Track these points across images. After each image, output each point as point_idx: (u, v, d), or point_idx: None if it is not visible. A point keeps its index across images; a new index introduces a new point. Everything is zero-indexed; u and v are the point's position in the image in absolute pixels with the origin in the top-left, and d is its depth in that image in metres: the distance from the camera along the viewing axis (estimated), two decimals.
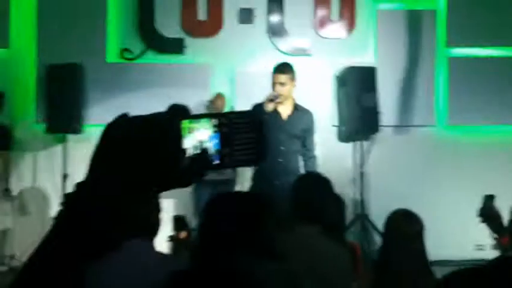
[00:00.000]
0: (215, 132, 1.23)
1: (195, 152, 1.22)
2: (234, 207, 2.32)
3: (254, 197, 2.43)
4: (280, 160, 5.82)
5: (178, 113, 1.22)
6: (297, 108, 5.96)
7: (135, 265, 2.52)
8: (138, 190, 1.19)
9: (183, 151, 1.21)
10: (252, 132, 1.25)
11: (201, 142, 1.23)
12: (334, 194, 3.90)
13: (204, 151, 1.22)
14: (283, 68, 5.90)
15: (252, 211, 2.28)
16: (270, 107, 5.78)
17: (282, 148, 5.84)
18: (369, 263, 7.01)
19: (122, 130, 1.19)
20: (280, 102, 5.85)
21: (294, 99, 5.98)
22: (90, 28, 8.16)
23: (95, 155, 1.19)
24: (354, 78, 7.86)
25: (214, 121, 1.24)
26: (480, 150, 8.23)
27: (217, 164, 1.24)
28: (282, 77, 5.83)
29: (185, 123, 1.22)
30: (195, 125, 1.23)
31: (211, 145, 1.23)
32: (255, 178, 6.02)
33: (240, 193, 2.63)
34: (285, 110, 5.92)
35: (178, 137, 1.20)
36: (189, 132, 1.22)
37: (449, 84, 8.35)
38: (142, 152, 1.17)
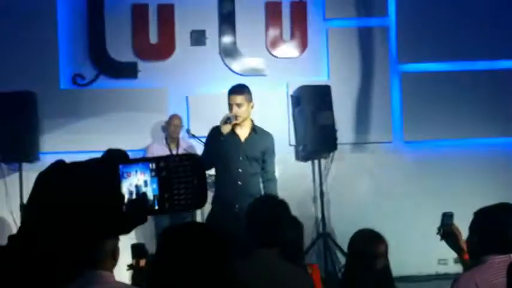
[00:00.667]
0: (153, 176, 1.21)
1: (133, 198, 1.19)
2: (188, 242, 2.26)
3: (209, 231, 2.38)
4: (239, 183, 5.78)
5: (115, 158, 1.20)
6: (255, 130, 5.93)
7: None
8: (77, 238, 1.15)
9: (122, 197, 1.18)
10: (192, 176, 1.22)
11: (137, 187, 1.20)
12: (291, 216, 3.89)
13: (143, 196, 1.19)
14: (240, 89, 5.88)
15: (208, 246, 2.23)
16: (226, 129, 5.75)
17: (240, 170, 5.80)
18: (332, 282, 7.02)
19: (57, 178, 1.16)
20: (238, 124, 5.82)
21: (252, 121, 5.95)
22: (42, 54, 8.04)
23: (30, 204, 1.16)
24: (309, 97, 7.88)
25: (152, 165, 1.21)
26: (438, 165, 8.29)
27: (157, 210, 1.21)
28: (238, 98, 5.80)
29: (123, 168, 1.19)
30: (132, 169, 1.20)
31: (150, 190, 1.20)
32: (215, 202, 5.96)
33: (194, 225, 2.57)
34: (243, 132, 5.88)
35: (115, 183, 1.18)
36: (127, 177, 1.19)
37: (402, 100, 8.43)
38: (78, 200, 1.14)
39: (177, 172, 1.22)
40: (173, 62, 8.29)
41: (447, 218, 3.91)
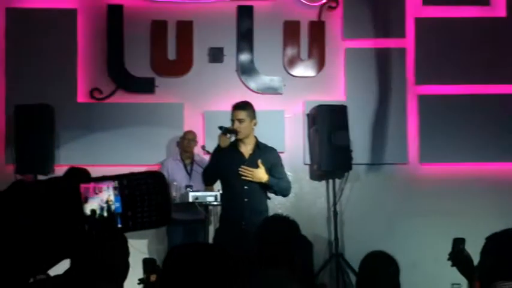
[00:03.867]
0: (116, 195, 1.20)
1: (101, 214, 1.19)
2: (195, 263, 2.25)
3: (217, 251, 2.36)
4: (245, 200, 5.78)
5: (77, 177, 1.21)
6: (259, 146, 5.93)
7: None
8: (39, 257, 1.15)
9: (83, 215, 1.18)
10: (155, 194, 1.22)
11: (108, 203, 1.20)
12: (302, 236, 3.87)
13: (111, 213, 1.19)
14: (242, 105, 5.93)
15: (214, 269, 2.22)
16: (224, 141, 5.75)
17: (246, 187, 5.79)
18: None
19: (16, 198, 1.16)
20: (241, 141, 5.83)
21: (255, 138, 5.95)
22: (61, 68, 8.12)
23: None
24: (325, 116, 7.88)
25: (115, 183, 1.21)
26: (453, 188, 8.22)
27: (120, 228, 1.21)
28: (241, 113, 5.82)
29: (89, 185, 1.19)
30: (102, 184, 1.20)
31: (113, 208, 1.20)
32: (222, 219, 5.99)
33: (199, 247, 2.56)
34: (246, 149, 5.89)
35: (75, 201, 1.17)
36: (96, 193, 1.19)
37: (419, 121, 8.40)
38: (38, 220, 1.14)
39: (140, 190, 1.21)
40: (190, 78, 8.32)
41: (458, 243, 3.89)
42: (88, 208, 1.18)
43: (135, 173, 1.23)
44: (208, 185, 6.65)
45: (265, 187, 5.86)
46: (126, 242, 2.81)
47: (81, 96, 8.18)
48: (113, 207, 1.20)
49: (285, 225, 3.70)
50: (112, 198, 1.20)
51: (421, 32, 8.47)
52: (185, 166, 7.76)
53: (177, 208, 7.43)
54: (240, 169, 5.74)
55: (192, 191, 7.04)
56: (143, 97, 8.23)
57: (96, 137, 8.06)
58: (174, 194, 7.38)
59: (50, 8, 8.19)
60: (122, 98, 8.24)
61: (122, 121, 8.12)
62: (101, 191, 1.20)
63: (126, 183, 1.21)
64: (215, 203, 6.80)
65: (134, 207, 1.21)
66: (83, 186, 1.18)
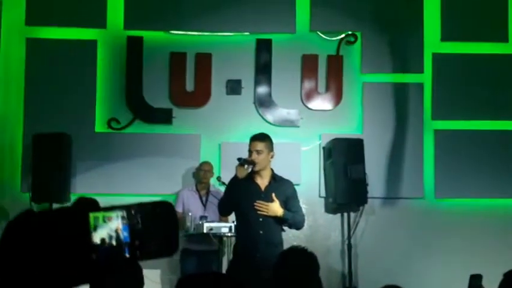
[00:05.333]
0: (124, 224, 1.21)
1: (111, 243, 1.19)
2: None
3: (227, 281, 2.34)
4: (261, 232, 5.74)
5: (86, 207, 1.21)
6: (275, 178, 5.90)
7: None
8: (46, 286, 1.16)
9: (91, 244, 1.18)
10: (163, 224, 1.23)
11: (117, 231, 1.20)
12: (317, 271, 3.79)
13: (119, 242, 1.20)
14: (261, 136, 5.90)
15: None
16: (241, 172, 5.74)
17: (261, 220, 5.76)
18: None
19: (26, 228, 1.17)
20: (257, 173, 5.81)
21: (272, 170, 5.94)
22: (79, 98, 8.19)
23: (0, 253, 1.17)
24: (341, 149, 7.88)
25: (123, 213, 1.21)
26: (469, 224, 8.17)
27: (128, 258, 1.21)
28: (259, 145, 5.78)
29: (98, 214, 1.19)
30: (111, 214, 1.21)
31: (122, 237, 1.21)
32: (236, 251, 5.96)
33: (211, 276, 2.54)
34: (263, 181, 5.84)
35: (84, 230, 1.18)
36: (105, 222, 1.20)
37: (435, 156, 8.37)
38: (48, 249, 1.15)
39: (148, 220, 1.22)
40: (208, 109, 8.37)
41: (475, 280, 3.85)
42: (97, 237, 1.19)
43: (143, 203, 1.24)
44: (224, 216, 6.65)
45: (280, 221, 5.84)
46: (141, 271, 2.80)
47: (99, 126, 8.24)
48: (121, 236, 1.20)
49: (304, 257, 3.66)
50: (121, 227, 1.21)
51: (439, 67, 8.49)
52: (200, 197, 7.77)
53: (191, 239, 7.43)
54: (255, 204, 5.73)
55: (207, 222, 7.04)
56: (160, 128, 8.28)
57: (113, 166, 8.10)
58: (188, 224, 7.37)
59: (70, 39, 8.29)
60: (140, 128, 8.28)
61: (139, 151, 8.15)
62: (110, 220, 1.20)
63: (134, 213, 1.22)
64: (229, 234, 6.79)
65: (142, 237, 1.21)
66: (92, 215, 1.19)
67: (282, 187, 5.87)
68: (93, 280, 1.19)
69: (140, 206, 1.23)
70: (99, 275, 1.19)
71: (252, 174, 5.82)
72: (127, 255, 1.21)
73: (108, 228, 1.20)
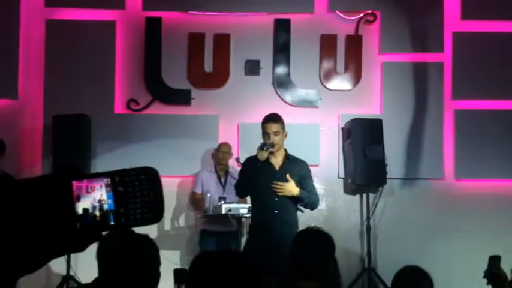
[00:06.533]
0: (108, 192, 1.20)
1: (93, 213, 1.18)
2: (219, 269, 2.25)
3: (243, 260, 2.35)
4: (276, 212, 5.80)
5: (69, 174, 1.19)
6: (289, 158, 5.96)
7: None
8: (28, 256, 1.15)
9: (75, 214, 1.17)
10: (148, 190, 1.22)
11: (100, 202, 1.19)
12: (333, 251, 3.79)
13: (103, 213, 1.19)
14: (276, 117, 5.95)
15: (241, 277, 2.21)
16: (263, 155, 5.79)
17: (277, 199, 5.81)
18: None
19: (5, 195, 1.15)
20: (272, 153, 5.85)
21: (285, 150, 5.98)
22: (99, 79, 8.22)
23: None
24: (360, 130, 7.85)
25: (107, 180, 1.20)
26: (489, 204, 8.10)
27: (113, 225, 1.20)
28: (275, 126, 5.86)
29: (81, 183, 1.18)
30: (94, 184, 1.19)
31: (106, 205, 1.20)
32: (252, 231, 6.01)
33: (227, 254, 2.54)
34: (277, 161, 5.93)
35: (67, 200, 1.17)
36: (88, 192, 1.19)
37: (455, 137, 8.31)
38: (29, 216, 1.14)
39: (132, 186, 1.21)
40: (226, 90, 8.36)
41: (494, 261, 3.84)
42: (80, 207, 1.18)
43: (128, 170, 1.23)
44: (241, 197, 6.68)
45: (295, 200, 5.86)
46: (154, 250, 2.81)
47: (118, 107, 8.27)
48: (105, 206, 1.19)
49: (322, 239, 3.67)
50: (104, 196, 1.20)
51: (459, 46, 8.40)
52: (219, 178, 7.79)
53: (210, 219, 7.47)
54: (272, 185, 5.76)
55: (226, 203, 7.06)
56: (179, 109, 8.29)
57: (132, 147, 8.13)
58: (207, 205, 7.41)
59: (89, 20, 8.30)
60: (158, 109, 8.30)
61: (158, 132, 8.18)
62: (93, 190, 1.19)
63: (118, 180, 1.21)
64: (248, 215, 6.82)
65: (126, 204, 1.20)
66: (75, 184, 1.18)
67: (296, 167, 5.95)
68: (77, 250, 1.19)
69: (124, 172, 1.22)
70: (82, 244, 1.19)
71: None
72: (112, 223, 1.20)
73: (92, 198, 1.19)
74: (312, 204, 5.99)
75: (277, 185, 5.76)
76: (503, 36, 8.41)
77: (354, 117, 7.98)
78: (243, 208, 6.84)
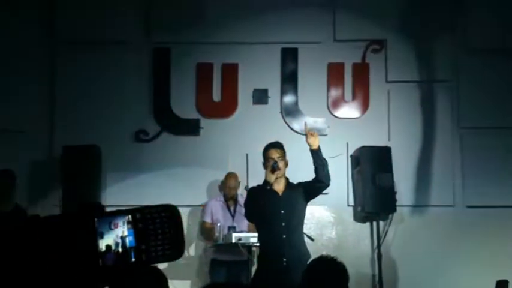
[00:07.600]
0: (129, 229, 1.21)
1: (117, 249, 1.20)
2: None
3: None
4: (284, 236, 5.82)
5: (91, 211, 1.20)
6: (289, 185, 6.03)
7: None
8: None
9: (97, 251, 1.19)
10: (169, 227, 1.23)
11: (123, 238, 1.21)
12: (347, 281, 3.76)
13: (125, 249, 1.20)
14: (279, 144, 6.09)
15: None
16: (272, 177, 5.86)
17: (284, 224, 5.85)
18: None
19: (32, 233, 1.18)
20: (278, 177, 5.89)
21: (287, 178, 6.06)
22: (108, 110, 8.25)
23: (4, 260, 1.16)
24: (369, 157, 7.86)
25: (128, 218, 1.21)
26: (500, 232, 8.05)
27: (134, 262, 1.21)
28: (280, 152, 5.99)
29: (103, 220, 1.20)
30: (117, 221, 1.20)
31: (127, 242, 1.21)
32: (261, 258, 6.02)
33: (234, 285, 2.51)
34: (279, 187, 6.00)
35: (91, 237, 1.19)
36: (111, 228, 1.20)
37: (463, 164, 8.28)
38: (52, 255, 1.16)
39: (153, 224, 1.22)
40: (235, 120, 8.39)
41: (502, 285, 3.82)
42: (103, 244, 1.19)
43: (149, 207, 1.24)
44: (252, 221, 6.66)
45: (315, 154, 5.94)
46: (166, 281, 2.80)
47: (128, 138, 8.28)
48: (127, 241, 1.21)
49: (334, 268, 3.64)
50: (126, 233, 1.21)
51: (465, 73, 8.42)
52: (228, 207, 7.78)
53: (220, 249, 7.45)
54: (309, 132, 5.95)
55: (236, 232, 7.05)
56: (188, 138, 8.31)
57: (142, 177, 8.15)
58: (217, 234, 7.40)
59: (98, 52, 8.35)
60: (168, 139, 8.32)
61: (167, 162, 8.19)
62: (116, 227, 1.20)
63: (139, 217, 1.22)
64: (258, 244, 6.80)
65: (148, 241, 1.22)
66: (97, 221, 1.21)
67: (296, 191, 6.00)
68: (98, 286, 1.18)
69: (145, 210, 1.24)
70: (105, 280, 1.18)
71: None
72: (133, 259, 1.21)
73: (115, 235, 1.21)
74: (327, 166, 6.03)
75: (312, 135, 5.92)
76: (509, 63, 8.41)
77: (363, 145, 7.98)
78: (253, 237, 6.82)
